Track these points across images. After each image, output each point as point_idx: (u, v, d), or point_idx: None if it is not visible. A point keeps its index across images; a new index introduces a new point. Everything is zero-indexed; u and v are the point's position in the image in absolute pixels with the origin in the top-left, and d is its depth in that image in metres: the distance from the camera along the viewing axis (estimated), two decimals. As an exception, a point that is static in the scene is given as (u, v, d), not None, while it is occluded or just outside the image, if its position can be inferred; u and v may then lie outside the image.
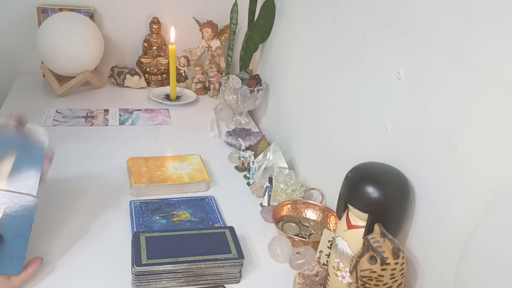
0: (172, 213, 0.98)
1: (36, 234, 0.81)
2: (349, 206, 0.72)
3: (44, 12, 1.53)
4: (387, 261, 0.63)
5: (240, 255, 0.80)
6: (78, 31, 1.45)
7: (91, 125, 1.34)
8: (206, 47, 1.61)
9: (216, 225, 0.95)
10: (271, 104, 1.41)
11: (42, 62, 1.51)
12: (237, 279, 0.81)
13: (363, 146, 0.88)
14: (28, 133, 0.81)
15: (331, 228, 0.96)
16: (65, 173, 1.08)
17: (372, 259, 0.65)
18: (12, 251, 0.73)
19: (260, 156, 1.17)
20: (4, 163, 0.76)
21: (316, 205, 1.00)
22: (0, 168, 0.76)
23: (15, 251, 0.73)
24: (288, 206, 1.01)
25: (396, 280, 0.65)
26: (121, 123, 1.38)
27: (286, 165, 1.15)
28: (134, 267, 0.76)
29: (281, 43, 1.33)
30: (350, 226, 0.72)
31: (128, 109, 1.47)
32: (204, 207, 1.01)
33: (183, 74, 1.66)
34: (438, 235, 0.67)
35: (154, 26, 1.64)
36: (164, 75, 1.68)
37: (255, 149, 1.23)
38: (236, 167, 1.19)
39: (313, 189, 1.06)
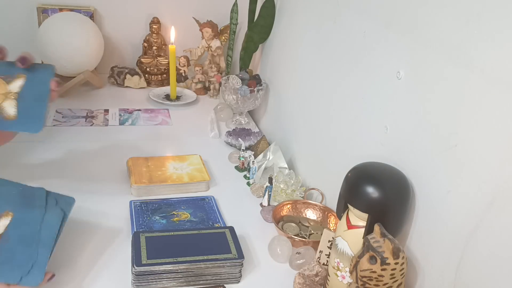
0: (172, 213, 0.98)
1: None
2: (349, 206, 0.72)
3: (44, 12, 1.53)
4: (387, 261, 0.63)
5: (240, 255, 0.80)
6: (78, 31, 1.45)
7: (91, 125, 1.34)
8: (206, 47, 1.61)
9: (216, 225, 0.95)
10: (271, 104, 1.41)
11: (42, 62, 1.51)
12: (237, 279, 0.81)
13: (363, 146, 0.88)
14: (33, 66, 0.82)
15: (331, 228, 0.96)
16: (64, 173, 1.08)
17: (372, 259, 0.65)
18: (37, 261, 0.71)
19: (260, 156, 1.17)
20: (14, 83, 0.79)
21: (316, 205, 1.00)
22: (11, 86, 0.78)
23: (39, 260, 0.71)
24: (288, 206, 1.01)
25: (396, 280, 0.65)
26: (121, 123, 1.38)
27: (286, 165, 1.15)
28: (134, 267, 0.76)
29: (281, 43, 1.33)
30: (350, 226, 0.72)
31: (128, 109, 1.47)
32: (204, 207, 1.01)
33: (183, 74, 1.66)
34: (438, 235, 0.67)
35: (154, 26, 1.64)
36: (164, 75, 1.68)
37: (255, 149, 1.23)
38: (236, 167, 1.19)
39: (313, 189, 1.06)
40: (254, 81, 1.35)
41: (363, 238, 0.69)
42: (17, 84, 0.79)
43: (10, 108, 0.78)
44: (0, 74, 0.79)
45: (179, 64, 1.64)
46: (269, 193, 1.02)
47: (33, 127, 0.79)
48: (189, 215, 0.97)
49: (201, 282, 0.79)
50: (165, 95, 1.58)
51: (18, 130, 0.81)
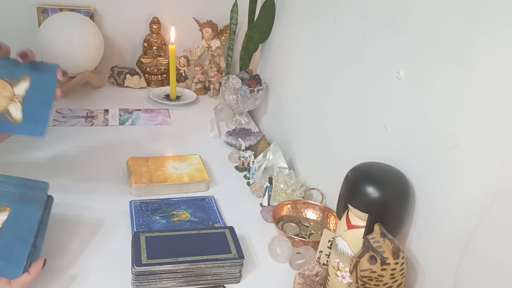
0: (172, 213, 0.98)
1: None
2: (349, 206, 0.72)
3: (44, 12, 1.53)
4: (387, 261, 0.63)
5: (240, 255, 0.80)
6: (78, 31, 1.45)
7: (91, 125, 1.34)
8: (206, 47, 1.61)
9: (216, 225, 0.95)
10: (271, 104, 1.41)
11: (42, 62, 1.51)
12: (237, 279, 0.81)
13: (363, 146, 0.88)
14: (35, 63, 0.83)
15: (331, 228, 0.96)
16: (65, 173, 1.08)
17: (372, 259, 0.65)
18: (12, 255, 0.71)
19: (260, 156, 1.17)
20: (19, 86, 0.80)
21: (316, 205, 1.00)
22: (16, 90, 0.80)
23: (15, 254, 0.71)
24: (288, 206, 1.01)
25: (396, 280, 0.65)
26: (121, 123, 1.38)
27: (286, 165, 1.15)
28: (134, 267, 0.76)
29: (281, 43, 1.33)
30: (350, 226, 0.72)
31: (128, 109, 1.47)
32: (204, 207, 1.01)
33: (183, 74, 1.66)
34: (438, 235, 0.67)
35: (154, 26, 1.64)
36: (164, 75, 1.68)
37: (255, 149, 1.23)
38: (236, 167, 1.19)
39: (313, 189, 1.06)
40: (254, 81, 1.35)
41: (363, 238, 0.69)
42: (22, 87, 0.80)
43: (16, 112, 0.79)
44: (5, 76, 0.80)
45: (179, 64, 1.64)
46: (269, 193, 1.02)
47: (38, 131, 0.80)
48: (189, 215, 0.97)
49: (201, 282, 0.79)
50: (165, 95, 1.58)
51: (22, 134, 0.81)
